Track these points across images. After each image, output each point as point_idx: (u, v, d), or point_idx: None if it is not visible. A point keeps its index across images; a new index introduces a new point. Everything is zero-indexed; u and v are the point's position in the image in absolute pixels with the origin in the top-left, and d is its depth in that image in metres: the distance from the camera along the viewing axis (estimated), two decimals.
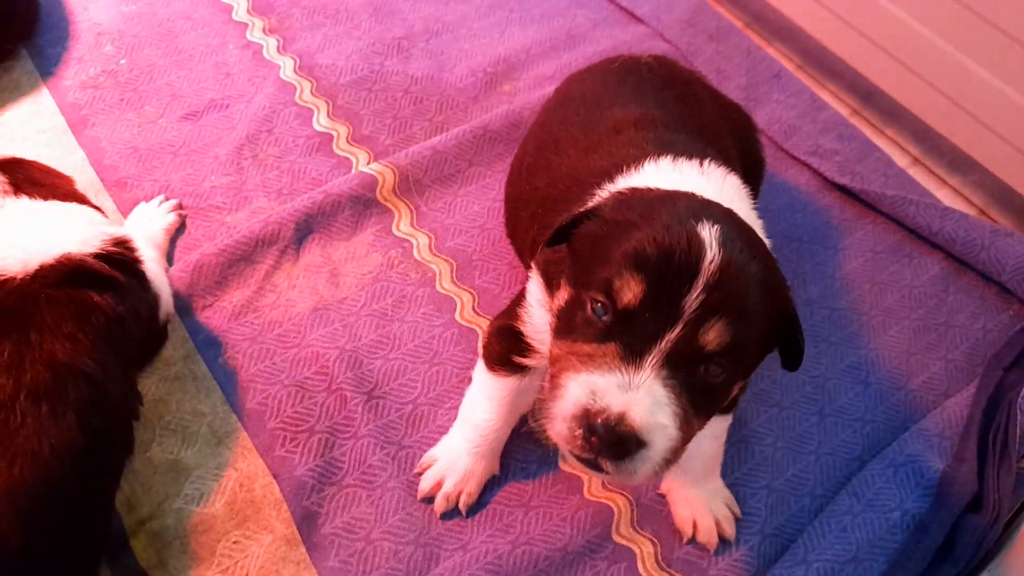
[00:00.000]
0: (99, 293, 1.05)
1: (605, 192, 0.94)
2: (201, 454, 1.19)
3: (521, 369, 1.06)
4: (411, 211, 1.49)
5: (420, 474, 1.18)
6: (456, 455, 1.16)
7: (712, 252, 0.73)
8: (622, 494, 1.19)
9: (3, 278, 1.00)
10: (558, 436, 0.76)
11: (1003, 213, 1.63)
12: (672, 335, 0.72)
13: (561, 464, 1.22)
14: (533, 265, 1.00)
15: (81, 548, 0.99)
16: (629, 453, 0.72)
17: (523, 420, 1.24)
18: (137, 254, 1.17)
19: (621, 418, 0.71)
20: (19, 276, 1.01)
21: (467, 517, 1.16)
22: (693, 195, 0.85)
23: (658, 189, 0.86)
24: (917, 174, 1.67)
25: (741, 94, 1.73)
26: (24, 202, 1.11)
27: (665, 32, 1.83)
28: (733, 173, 1.02)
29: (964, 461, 1.20)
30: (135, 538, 1.12)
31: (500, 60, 1.75)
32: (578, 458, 0.76)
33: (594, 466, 0.75)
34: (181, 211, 1.44)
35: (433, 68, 1.72)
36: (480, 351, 1.12)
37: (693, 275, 0.72)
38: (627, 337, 0.73)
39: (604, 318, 0.75)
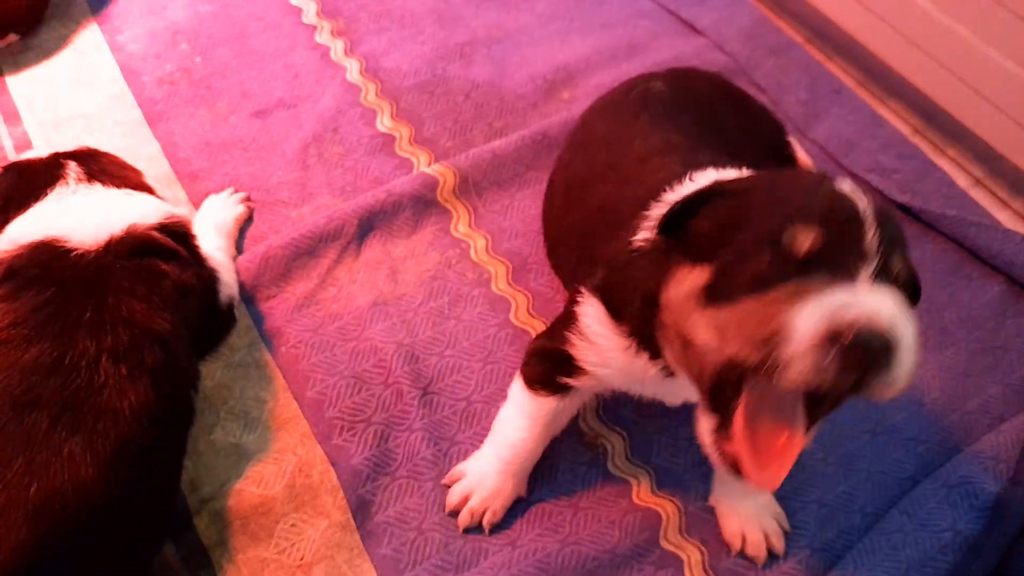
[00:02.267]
0: (165, 262, 1.14)
1: (656, 211, 0.94)
2: (262, 439, 1.24)
3: (562, 390, 1.08)
4: (469, 212, 1.52)
5: (448, 486, 1.20)
6: (486, 472, 1.17)
7: (861, 200, 0.73)
8: (671, 500, 1.21)
9: (80, 251, 1.08)
10: (801, 377, 0.66)
11: None
12: (870, 269, 0.68)
13: (610, 467, 1.24)
14: (585, 291, 1.00)
15: (153, 511, 1.05)
16: (892, 354, 0.65)
17: (574, 421, 1.26)
18: (192, 230, 1.25)
19: (873, 319, 0.64)
20: (93, 249, 1.09)
21: (489, 535, 1.17)
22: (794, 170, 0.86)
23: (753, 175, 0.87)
24: (978, 195, 1.65)
25: (800, 108, 1.73)
26: (96, 188, 1.20)
27: (725, 45, 1.84)
28: None
29: (1020, 484, 1.18)
30: (198, 516, 1.16)
31: (560, 68, 1.77)
32: (830, 391, 0.68)
33: (853, 390, 0.68)
34: (249, 203, 1.50)
35: (494, 74, 1.75)
36: (521, 368, 1.14)
37: (860, 220, 0.71)
38: (825, 270, 0.68)
39: (786, 267, 0.70)
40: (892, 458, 1.26)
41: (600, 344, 0.98)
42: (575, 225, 1.16)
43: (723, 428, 0.76)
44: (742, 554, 1.15)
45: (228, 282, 1.30)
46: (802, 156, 1.58)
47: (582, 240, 1.12)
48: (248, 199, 1.50)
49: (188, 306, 1.16)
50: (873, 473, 1.25)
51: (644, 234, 0.93)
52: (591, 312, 0.99)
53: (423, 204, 1.51)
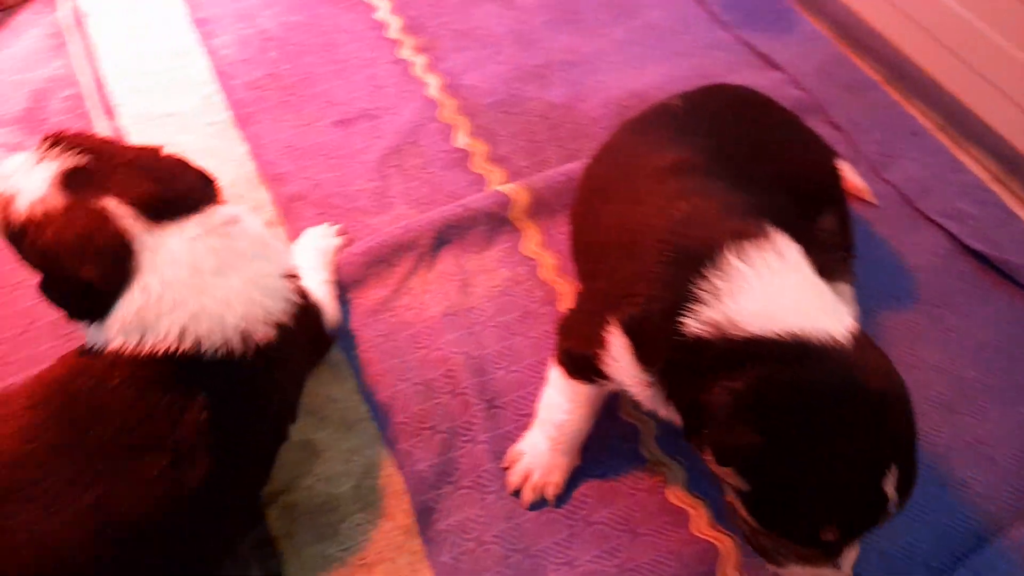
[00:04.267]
0: None
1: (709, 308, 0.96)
2: (332, 437, 1.27)
3: (596, 381, 1.13)
4: (540, 232, 1.54)
5: (507, 468, 1.25)
6: (540, 451, 1.23)
7: (892, 497, 0.90)
8: (728, 535, 1.20)
9: None
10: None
11: None
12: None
13: (668, 495, 1.24)
14: (615, 324, 1.04)
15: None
16: None
17: (631, 437, 1.28)
18: None
19: None
20: None
21: (556, 507, 1.22)
22: (847, 401, 0.91)
23: (812, 395, 0.91)
24: None
25: (876, 148, 1.72)
26: None
27: (801, 80, 1.84)
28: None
29: None
30: (269, 508, 1.20)
31: (634, 94, 1.79)
32: None
33: None
34: (345, 234, 1.51)
35: (570, 97, 1.78)
36: (556, 357, 1.18)
37: (884, 508, 0.91)
38: (834, 548, 0.95)
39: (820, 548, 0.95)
40: (960, 513, 1.24)
41: (624, 370, 1.06)
42: (592, 234, 1.20)
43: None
44: None
45: (333, 316, 1.33)
46: (855, 181, 1.58)
47: (598, 251, 1.17)
48: (344, 231, 1.51)
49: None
50: (938, 527, 1.23)
51: (696, 324, 0.96)
52: (618, 344, 1.04)
53: (496, 221, 1.54)
